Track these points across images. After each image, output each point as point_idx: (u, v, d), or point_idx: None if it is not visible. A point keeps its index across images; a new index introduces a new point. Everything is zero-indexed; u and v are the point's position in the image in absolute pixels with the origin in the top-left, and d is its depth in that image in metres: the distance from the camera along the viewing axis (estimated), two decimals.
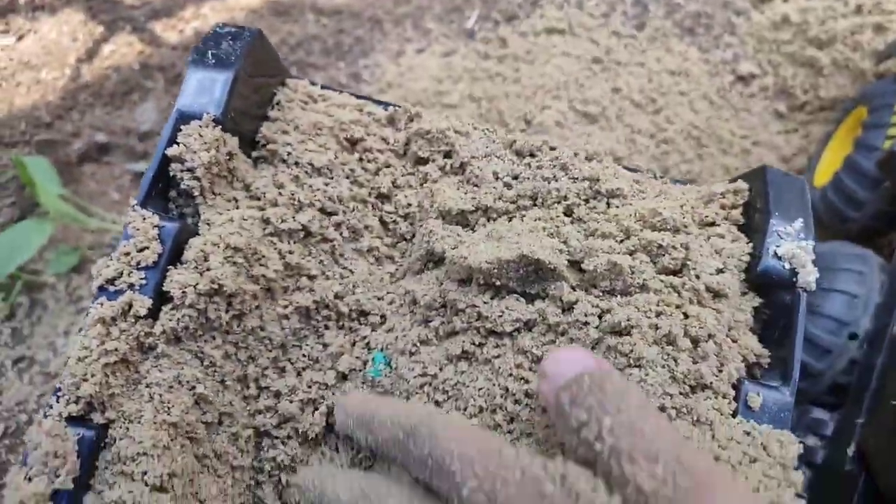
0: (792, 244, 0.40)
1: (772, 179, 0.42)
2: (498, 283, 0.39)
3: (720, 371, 0.37)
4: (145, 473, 0.35)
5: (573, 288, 0.40)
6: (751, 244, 0.41)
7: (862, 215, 0.98)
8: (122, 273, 0.37)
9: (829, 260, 0.90)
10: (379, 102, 0.50)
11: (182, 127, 0.39)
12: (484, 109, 1.14)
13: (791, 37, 1.26)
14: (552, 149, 0.46)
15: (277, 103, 0.47)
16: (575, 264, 0.41)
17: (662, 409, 0.36)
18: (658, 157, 1.15)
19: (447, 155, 0.47)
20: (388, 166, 0.47)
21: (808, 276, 0.39)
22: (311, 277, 0.43)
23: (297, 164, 0.44)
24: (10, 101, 1.12)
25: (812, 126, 1.21)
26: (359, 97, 0.50)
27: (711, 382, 0.37)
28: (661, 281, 0.39)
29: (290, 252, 0.42)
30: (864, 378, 0.77)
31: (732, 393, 0.37)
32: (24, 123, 1.10)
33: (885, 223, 0.97)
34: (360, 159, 0.47)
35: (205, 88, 0.40)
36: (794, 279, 0.39)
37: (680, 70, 1.24)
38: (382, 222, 0.47)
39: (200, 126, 0.39)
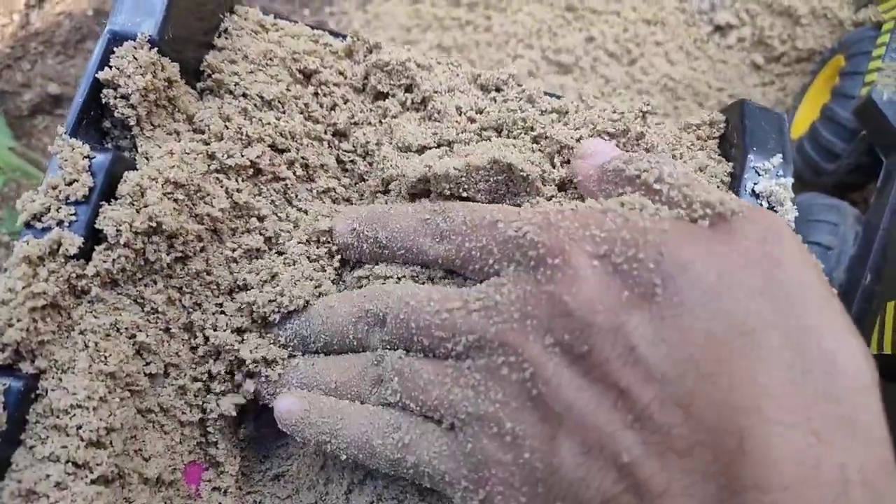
0: (770, 181, 0.38)
1: (749, 113, 0.40)
2: (465, 194, 0.37)
3: None
4: (80, 427, 0.32)
5: (549, 199, 0.37)
6: (731, 164, 0.39)
7: (838, 167, 0.97)
8: (49, 208, 0.34)
9: (803, 212, 0.89)
10: (336, 34, 0.47)
11: (115, 49, 0.36)
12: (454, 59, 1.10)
13: None
14: (519, 84, 0.44)
15: (225, 31, 0.43)
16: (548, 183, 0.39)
17: None
18: None
19: (408, 89, 0.44)
20: (345, 101, 0.44)
21: (787, 214, 0.37)
22: (262, 218, 0.40)
23: (245, 95, 0.41)
24: None
25: (789, 78, 1.19)
26: (314, 27, 0.47)
27: None
28: None
29: (238, 190, 0.39)
30: None
31: None
32: None
33: (861, 176, 0.96)
34: (316, 93, 0.43)
35: (140, 7, 0.37)
36: None
37: (656, 20, 1.21)
38: (339, 161, 0.44)
39: (135, 47, 0.36)
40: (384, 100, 0.44)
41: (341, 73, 0.45)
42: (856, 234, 0.82)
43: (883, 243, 0.77)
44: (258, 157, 0.39)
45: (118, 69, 0.36)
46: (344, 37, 0.46)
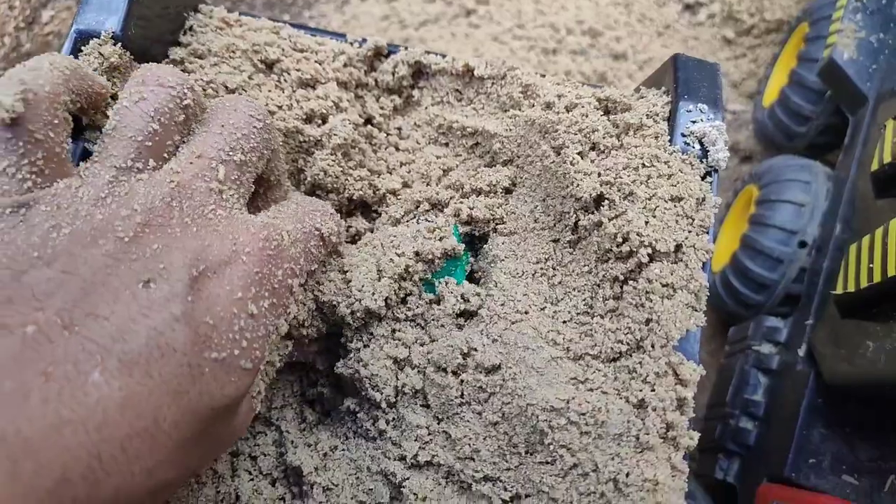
0: (704, 124, 0.40)
1: (682, 65, 0.43)
2: None
3: None
4: None
5: None
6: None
7: (808, 129, 0.99)
8: None
9: (776, 172, 0.91)
10: (300, 27, 0.50)
11: (82, 48, 0.39)
12: None
13: None
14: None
15: (189, 29, 0.46)
16: None
17: None
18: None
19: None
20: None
21: (719, 153, 0.39)
22: None
23: (210, 83, 0.44)
24: None
25: (760, 50, 1.22)
26: (275, 20, 0.49)
27: None
28: None
29: None
30: (813, 282, 0.79)
31: None
32: None
33: (831, 137, 0.98)
34: (278, 82, 0.46)
35: (104, 6, 0.40)
36: (705, 159, 0.40)
37: (626, 2, 1.24)
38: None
39: (100, 44, 0.38)
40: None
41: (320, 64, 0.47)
42: (827, 190, 0.85)
43: (851, 195, 0.79)
44: None
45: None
46: (343, 36, 0.49)
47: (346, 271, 0.41)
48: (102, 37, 0.39)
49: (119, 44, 0.39)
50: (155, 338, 0.25)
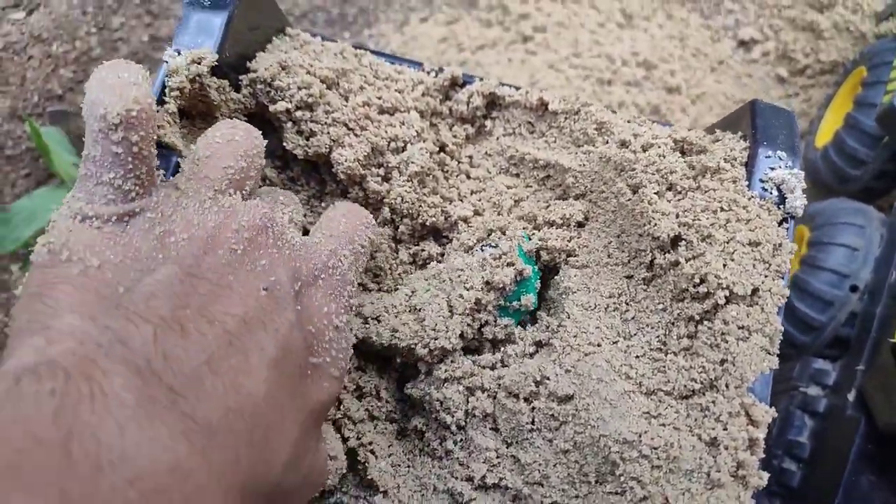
0: (783, 171, 0.41)
1: (760, 111, 0.43)
2: None
3: None
4: None
5: None
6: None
7: (863, 173, 0.98)
8: None
9: (829, 215, 0.91)
10: (380, 54, 0.51)
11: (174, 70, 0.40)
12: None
13: (791, 1, 1.26)
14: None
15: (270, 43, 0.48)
16: None
17: None
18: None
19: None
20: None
21: (797, 200, 0.40)
22: None
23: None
24: (23, 75, 1.14)
25: (813, 90, 1.21)
26: (357, 47, 0.51)
27: None
28: None
29: None
30: (865, 328, 0.79)
31: None
32: (37, 96, 1.12)
33: (887, 182, 0.98)
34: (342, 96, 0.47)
35: (202, 28, 0.41)
36: (782, 206, 0.41)
37: (681, 36, 1.24)
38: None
39: (194, 62, 0.40)
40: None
41: (400, 93, 0.49)
42: (881, 235, 0.84)
43: None
44: None
45: None
46: (419, 65, 0.51)
47: (419, 310, 0.42)
48: (196, 58, 0.40)
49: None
50: (281, 339, 0.29)
